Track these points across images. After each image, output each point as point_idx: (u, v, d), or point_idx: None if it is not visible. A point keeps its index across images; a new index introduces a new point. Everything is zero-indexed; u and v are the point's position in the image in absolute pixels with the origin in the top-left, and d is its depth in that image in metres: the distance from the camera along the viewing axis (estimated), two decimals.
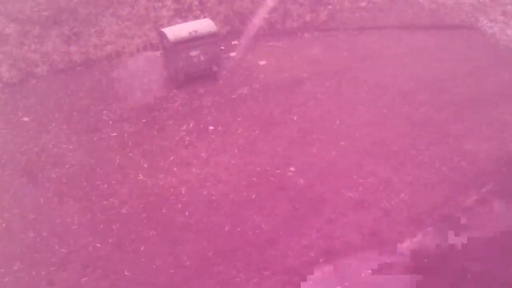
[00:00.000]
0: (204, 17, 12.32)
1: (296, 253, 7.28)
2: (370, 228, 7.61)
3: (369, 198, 8.08)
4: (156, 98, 10.48)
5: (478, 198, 8.03)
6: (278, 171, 8.66)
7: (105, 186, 8.53)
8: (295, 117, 9.85)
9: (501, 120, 9.64)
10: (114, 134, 9.64)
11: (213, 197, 8.23)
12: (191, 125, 9.76)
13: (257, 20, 12.59)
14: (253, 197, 8.20)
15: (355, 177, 8.48)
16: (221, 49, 11.54)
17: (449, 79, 10.80)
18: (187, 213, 8.00)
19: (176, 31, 10.32)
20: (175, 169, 8.80)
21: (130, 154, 9.15)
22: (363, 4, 13.46)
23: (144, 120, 9.94)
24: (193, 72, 10.68)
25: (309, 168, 8.69)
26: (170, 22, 12.31)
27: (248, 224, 7.73)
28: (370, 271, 6.99)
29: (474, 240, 7.33)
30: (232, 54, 11.82)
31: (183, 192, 8.35)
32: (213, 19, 11.49)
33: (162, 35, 10.43)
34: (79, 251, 7.46)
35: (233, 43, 12.20)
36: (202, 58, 10.57)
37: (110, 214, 8.01)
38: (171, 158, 9.01)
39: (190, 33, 10.27)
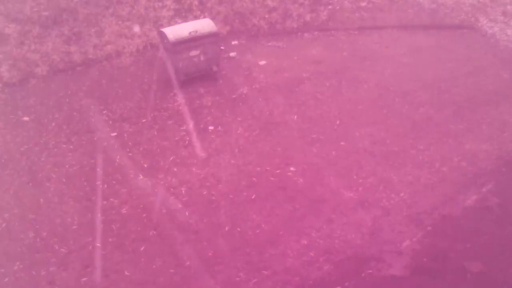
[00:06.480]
0: (204, 17, 12.34)
1: (296, 253, 7.27)
2: (370, 228, 7.61)
3: (369, 198, 8.08)
4: (156, 98, 10.48)
5: (478, 198, 8.04)
6: (278, 171, 8.66)
7: (105, 186, 8.53)
8: (295, 117, 9.86)
9: (501, 120, 9.65)
10: (114, 134, 9.64)
11: (213, 197, 8.23)
12: (191, 125, 9.76)
13: (257, 20, 12.59)
14: (253, 197, 8.19)
15: (355, 177, 8.48)
16: (221, 49, 11.55)
17: (449, 79, 10.81)
18: (187, 213, 7.99)
19: (176, 31, 10.32)
20: (175, 169, 8.80)
21: (130, 154, 9.15)
22: (363, 4, 13.48)
23: (144, 120, 9.94)
24: (193, 72, 10.69)
25: (309, 168, 8.69)
26: (170, 22, 12.33)
27: (248, 224, 7.73)
28: (370, 271, 6.99)
29: (474, 240, 7.33)
30: (232, 54, 11.82)
31: (183, 192, 8.35)
32: (213, 19, 11.50)
33: (162, 35, 10.42)
34: (79, 251, 7.45)
35: (233, 43, 12.20)
36: (202, 58, 10.57)
37: (110, 214, 8.01)
38: (171, 158, 9.01)
39: (190, 33, 10.27)
